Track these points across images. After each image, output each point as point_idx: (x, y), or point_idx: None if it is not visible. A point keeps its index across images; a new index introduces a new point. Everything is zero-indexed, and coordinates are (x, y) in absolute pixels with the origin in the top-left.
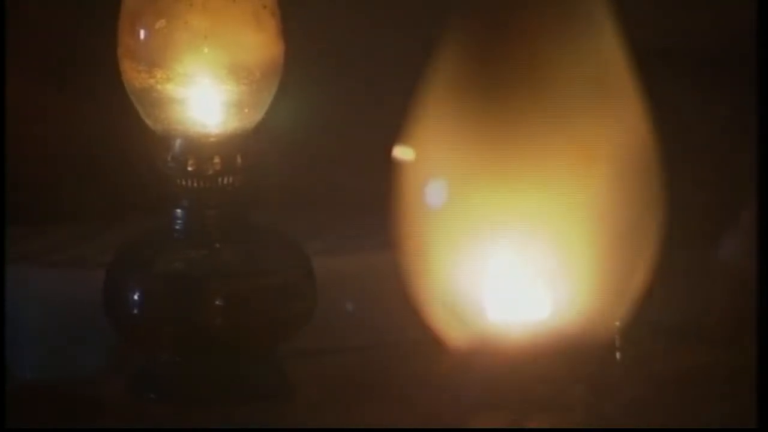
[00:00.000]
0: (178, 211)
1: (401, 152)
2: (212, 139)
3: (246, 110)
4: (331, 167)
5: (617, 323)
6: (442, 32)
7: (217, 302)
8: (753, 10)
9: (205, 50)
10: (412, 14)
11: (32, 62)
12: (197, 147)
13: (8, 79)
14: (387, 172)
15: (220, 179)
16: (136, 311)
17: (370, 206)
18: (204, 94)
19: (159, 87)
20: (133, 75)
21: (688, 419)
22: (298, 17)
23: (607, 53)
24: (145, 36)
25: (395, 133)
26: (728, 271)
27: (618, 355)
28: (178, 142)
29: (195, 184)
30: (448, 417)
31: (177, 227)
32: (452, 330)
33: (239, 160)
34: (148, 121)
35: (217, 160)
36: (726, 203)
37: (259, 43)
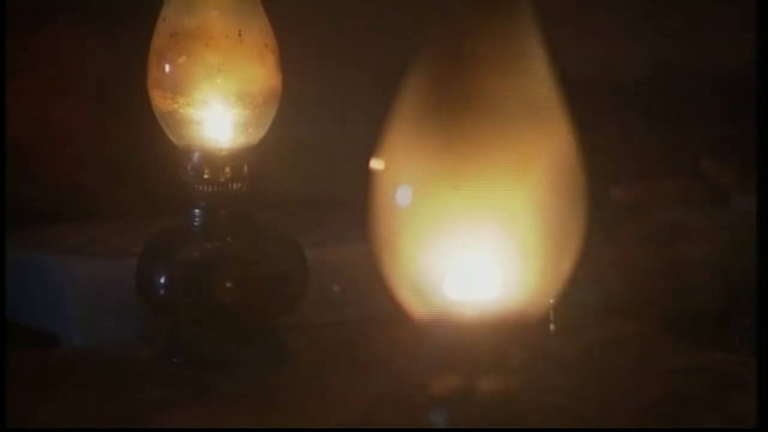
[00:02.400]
0: (196, 211)
1: (376, 162)
2: (224, 153)
3: (251, 129)
4: (319, 175)
5: (551, 301)
6: (412, 63)
7: (227, 285)
8: (669, 45)
9: (218, 81)
10: (389, 48)
11: (87, 89)
12: (211, 159)
13: (65, 100)
14: (365, 178)
15: (230, 185)
16: (162, 293)
17: (351, 207)
18: (217, 116)
19: (181, 111)
20: (159, 101)
21: (609, 378)
22: (295, 44)
23: (540, 83)
24: (170, 70)
25: (372, 145)
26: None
27: (552, 326)
28: (196, 155)
29: (209, 189)
30: (413, 377)
31: (195, 224)
32: (417, 306)
33: (246, 169)
34: (172, 138)
35: (227, 169)
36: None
37: (261, 75)
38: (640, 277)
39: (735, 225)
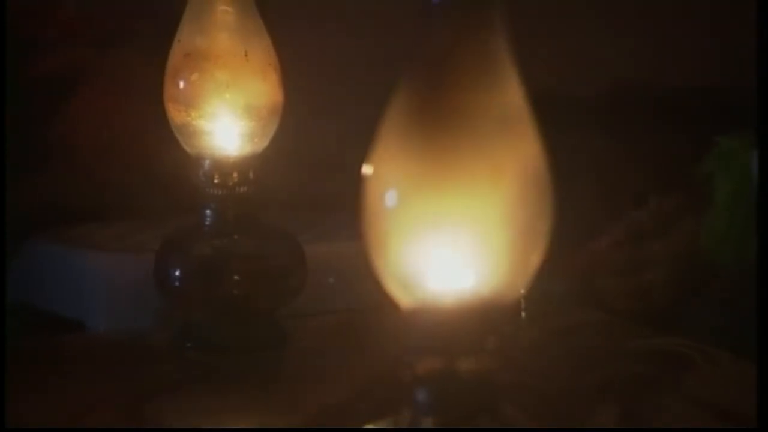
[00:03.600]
0: (207, 211)
1: (366, 169)
2: (231, 160)
3: (256, 139)
4: (317, 180)
5: (522, 291)
6: (398, 81)
7: (234, 277)
8: (629, 64)
9: (227, 96)
10: (379, 67)
11: (140, 104)
12: (221, 166)
13: (122, 113)
14: (357, 183)
15: (237, 189)
16: (176, 284)
17: (345, 208)
18: (226, 127)
19: (193, 122)
20: (174, 114)
21: (572, 360)
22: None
23: (511, 98)
24: (183, 86)
25: (363, 155)
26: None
27: (523, 313)
28: (207, 162)
29: (219, 192)
30: (400, 359)
31: (206, 223)
32: (402, 296)
33: (251, 174)
34: (186, 147)
35: (235, 175)
36: (595, 212)
37: (265, 91)
38: (604, 271)
39: (689, 230)
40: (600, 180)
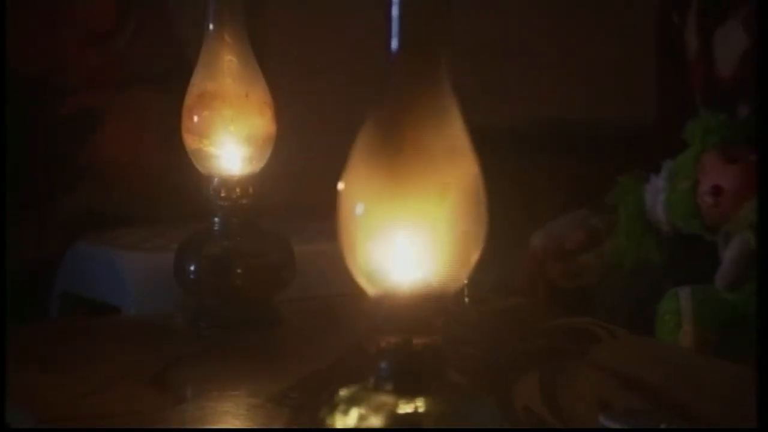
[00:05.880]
0: (215, 219)
1: (340, 185)
2: (235, 178)
3: (254, 162)
4: (303, 194)
5: (464, 281)
6: (366, 117)
7: (238, 271)
8: (552, 104)
9: (231, 128)
10: (351, 105)
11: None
12: (226, 183)
13: (138, 139)
14: (333, 196)
15: (239, 201)
16: (192, 276)
17: (325, 216)
18: (230, 152)
19: (205, 149)
20: (190, 142)
21: (505, 335)
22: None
23: (455, 130)
24: (197, 120)
25: (338, 174)
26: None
27: (466, 299)
28: (215, 180)
29: (225, 204)
30: (368, 335)
31: (215, 228)
32: (370, 286)
33: (251, 190)
34: (199, 167)
35: (238, 190)
36: (521, 220)
37: (262, 124)
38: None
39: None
40: (524, 195)
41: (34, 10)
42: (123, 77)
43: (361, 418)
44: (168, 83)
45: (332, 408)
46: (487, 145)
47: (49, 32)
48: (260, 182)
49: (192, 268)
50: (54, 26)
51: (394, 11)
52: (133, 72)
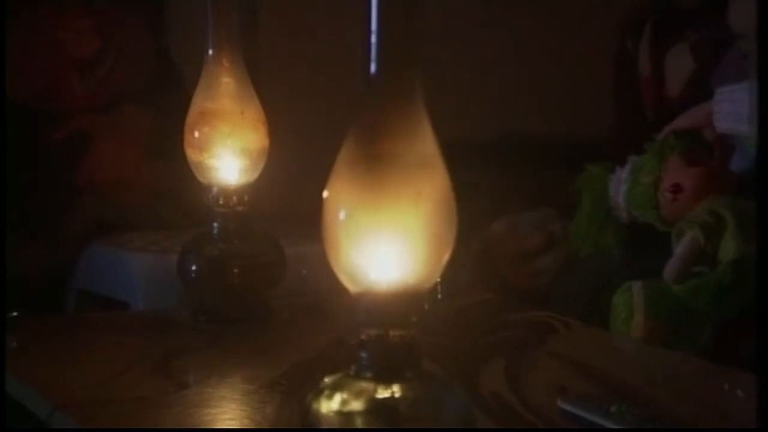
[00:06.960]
0: (214, 224)
1: (324, 192)
2: (232, 187)
3: (249, 172)
4: (292, 201)
5: (437, 279)
6: (347, 133)
7: (234, 270)
8: (518, 119)
9: (228, 143)
10: (334, 122)
11: (144, 146)
12: (224, 191)
13: (131, 153)
14: (319, 202)
15: (236, 208)
16: (193, 275)
17: (311, 221)
18: (228, 164)
19: (205, 161)
20: (191, 155)
21: (473, 327)
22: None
23: (427, 144)
24: (198, 135)
25: (323, 183)
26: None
27: (439, 295)
28: (214, 189)
29: (223, 210)
30: (350, 328)
31: (214, 232)
32: (351, 283)
33: (246, 198)
34: (199, 178)
35: (234, 198)
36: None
37: (256, 139)
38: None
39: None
40: (493, 202)
41: (15, 39)
42: (110, 97)
43: (344, 402)
44: (155, 95)
45: (318, 393)
46: (458, 158)
47: (33, 60)
48: (254, 191)
49: (193, 267)
50: (37, 54)
51: (373, 39)
52: (120, 91)
